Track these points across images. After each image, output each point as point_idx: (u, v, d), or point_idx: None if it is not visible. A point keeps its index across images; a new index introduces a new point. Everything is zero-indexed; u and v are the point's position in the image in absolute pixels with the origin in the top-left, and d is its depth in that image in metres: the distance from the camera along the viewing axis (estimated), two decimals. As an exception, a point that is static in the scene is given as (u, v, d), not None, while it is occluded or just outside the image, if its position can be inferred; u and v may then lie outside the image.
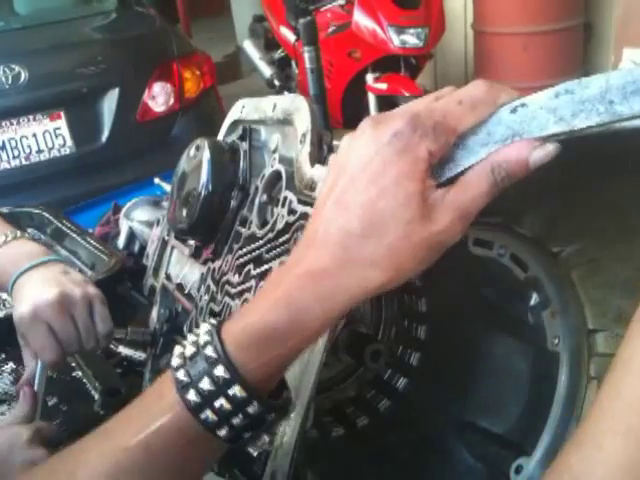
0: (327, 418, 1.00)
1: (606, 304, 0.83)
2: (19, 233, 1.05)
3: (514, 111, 0.50)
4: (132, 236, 1.70)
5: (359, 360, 0.90)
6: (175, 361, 0.54)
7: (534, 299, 0.85)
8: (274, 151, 0.91)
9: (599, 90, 0.46)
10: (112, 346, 1.37)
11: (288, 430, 0.69)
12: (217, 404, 0.52)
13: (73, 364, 1.29)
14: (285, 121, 0.88)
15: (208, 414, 0.52)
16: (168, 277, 1.17)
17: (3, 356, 1.31)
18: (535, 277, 0.83)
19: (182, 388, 0.53)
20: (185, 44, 3.73)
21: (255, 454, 0.75)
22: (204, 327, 0.55)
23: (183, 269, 1.11)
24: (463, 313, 0.94)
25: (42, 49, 3.39)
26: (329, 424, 0.99)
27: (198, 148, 0.99)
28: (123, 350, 1.41)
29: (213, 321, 0.56)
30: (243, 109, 1.03)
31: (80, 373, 1.27)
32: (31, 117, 3.27)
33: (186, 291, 1.07)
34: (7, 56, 3.23)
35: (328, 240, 0.51)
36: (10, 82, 3.15)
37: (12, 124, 3.23)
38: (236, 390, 0.52)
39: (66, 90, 3.34)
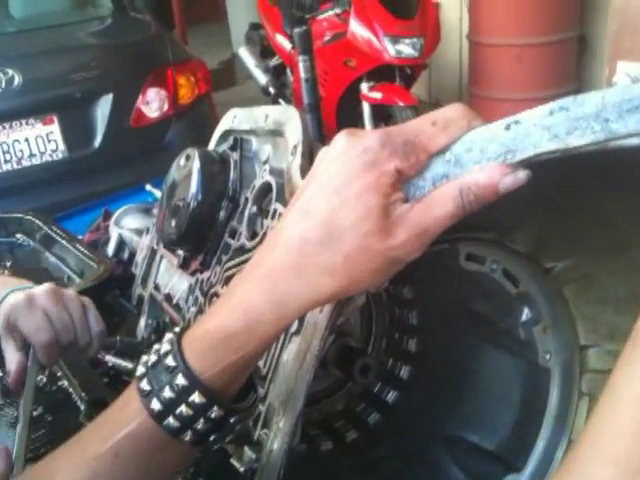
0: (316, 431, 0.99)
1: (599, 320, 0.82)
2: None
3: (507, 128, 0.49)
4: (122, 244, 1.68)
5: (348, 374, 0.89)
6: (139, 370, 0.57)
7: (525, 314, 0.84)
8: (265, 162, 0.90)
9: (595, 108, 0.45)
10: (99, 355, 1.36)
11: (275, 447, 0.68)
12: (178, 411, 0.54)
13: (59, 373, 1.27)
14: (276, 132, 0.87)
15: (170, 421, 0.54)
16: (156, 287, 1.15)
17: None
18: (527, 292, 0.82)
19: (145, 397, 0.55)
20: (180, 50, 3.71)
21: (241, 471, 0.74)
22: (167, 336, 0.57)
23: (172, 279, 1.10)
24: (454, 327, 0.93)
25: (37, 53, 3.37)
26: (318, 437, 0.98)
27: (188, 158, 0.98)
28: (110, 359, 1.40)
29: (177, 329, 0.57)
30: (234, 119, 1.02)
31: (66, 382, 1.25)
32: (24, 121, 3.25)
33: (174, 302, 1.06)
34: (1, 59, 3.21)
35: (287, 245, 0.52)
36: (3, 86, 3.13)
37: (4, 128, 3.21)
38: (195, 396, 0.54)
39: (60, 95, 3.31)
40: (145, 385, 0.55)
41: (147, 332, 1.12)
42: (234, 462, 0.76)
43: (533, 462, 0.85)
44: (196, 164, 0.95)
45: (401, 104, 3.70)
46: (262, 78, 4.63)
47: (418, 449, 0.95)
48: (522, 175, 0.48)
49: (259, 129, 0.93)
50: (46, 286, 0.97)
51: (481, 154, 0.50)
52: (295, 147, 0.80)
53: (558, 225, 0.73)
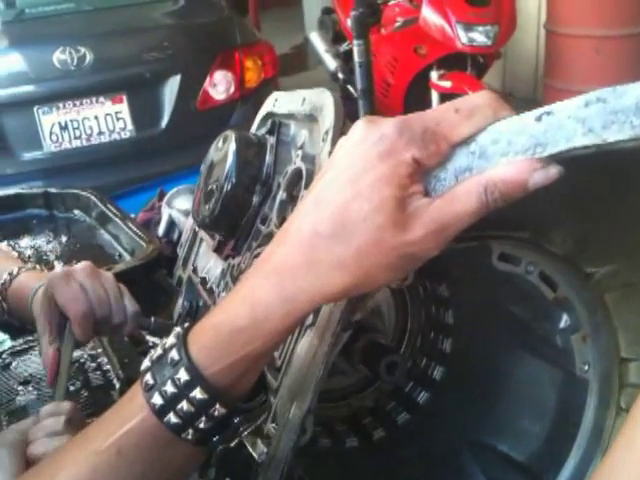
0: (342, 427, 0.96)
1: (642, 331, 0.76)
2: (27, 265, 1.10)
3: (539, 119, 0.45)
4: (172, 224, 1.69)
5: (374, 371, 0.85)
6: (145, 364, 0.55)
7: (564, 321, 0.79)
8: (300, 147, 0.87)
9: (635, 100, 0.41)
10: (142, 332, 1.37)
11: (282, 442, 0.65)
12: (179, 406, 0.52)
13: (99, 350, 1.29)
14: (312, 117, 0.84)
15: (171, 417, 0.52)
16: (194, 270, 1.15)
17: (31, 337, 1.31)
18: (565, 298, 0.77)
19: (148, 391, 0.53)
20: (249, 33, 3.72)
21: (258, 460, 0.72)
22: (175, 330, 0.55)
23: (208, 263, 1.09)
24: (489, 329, 0.89)
25: (108, 32, 3.44)
26: (344, 434, 0.96)
27: (225, 139, 0.96)
28: (150, 338, 1.41)
29: (187, 324, 0.56)
30: (276, 102, 0.99)
31: (105, 359, 1.27)
32: (94, 99, 3.33)
33: (208, 286, 1.05)
34: (74, 37, 3.28)
35: (298, 238, 0.50)
36: (75, 64, 3.20)
37: (75, 105, 3.29)
38: (197, 392, 0.52)
39: (129, 74, 3.38)
40: (149, 379, 0.54)
41: (182, 314, 1.12)
42: (251, 451, 0.74)
43: (564, 478, 0.80)
44: (232, 146, 0.93)
45: (471, 94, 3.61)
46: (331, 63, 4.60)
47: (445, 453, 0.91)
48: (554, 171, 0.45)
49: (297, 113, 0.90)
50: (84, 263, 0.98)
51: (508, 147, 0.47)
52: (327, 132, 0.77)
53: (599, 227, 0.67)
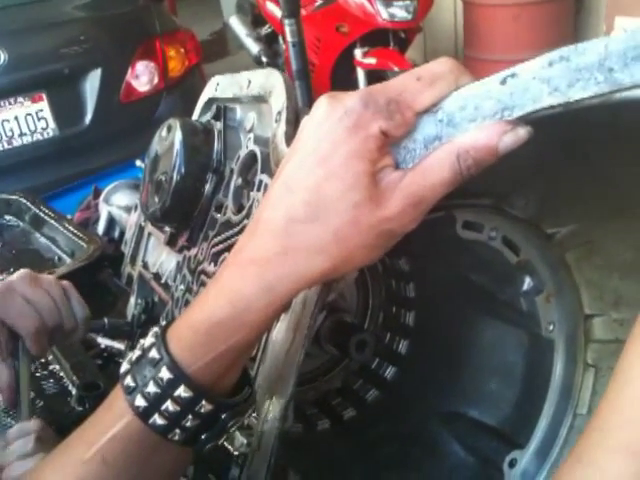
0: (312, 410, 0.96)
1: (603, 287, 0.78)
2: None
3: (503, 82, 0.45)
4: (112, 221, 1.64)
5: (344, 351, 0.85)
6: (124, 367, 0.53)
7: (527, 284, 0.80)
8: (249, 131, 0.85)
9: (597, 57, 0.41)
10: (92, 335, 1.32)
11: (265, 432, 0.64)
12: (164, 407, 0.50)
13: (50, 357, 1.24)
14: (260, 98, 0.82)
15: (156, 418, 0.51)
16: (145, 265, 1.12)
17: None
18: (528, 260, 0.78)
19: (130, 394, 0.51)
20: (168, 21, 3.62)
21: (235, 455, 0.71)
22: (153, 329, 0.53)
23: (160, 257, 1.06)
24: (452, 300, 0.89)
25: (21, 29, 3.28)
26: (314, 417, 0.95)
27: (170, 129, 0.93)
28: (102, 340, 1.37)
29: (163, 323, 0.55)
30: (217, 86, 0.97)
31: (57, 366, 1.22)
32: (12, 100, 3.19)
33: (162, 280, 1.02)
34: (-15, 37, 3.13)
35: (271, 226, 0.48)
36: (-11, 64, 3.06)
37: (-7, 107, 3.15)
38: (181, 390, 0.50)
39: (47, 71, 3.25)
40: (129, 382, 0.51)
41: (137, 312, 1.08)
42: (227, 446, 0.72)
43: (537, 438, 0.82)
44: (178, 135, 0.90)
45: (396, 69, 3.62)
46: (254, 47, 4.55)
47: (417, 427, 0.91)
48: (523, 132, 0.44)
49: (243, 96, 0.88)
50: (21, 272, 0.93)
51: (476, 112, 0.46)
52: (279, 113, 0.75)
53: (559, 189, 0.68)
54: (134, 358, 0.52)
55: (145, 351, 0.52)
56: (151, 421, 0.50)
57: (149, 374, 0.50)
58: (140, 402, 0.50)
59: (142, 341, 0.53)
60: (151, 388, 0.50)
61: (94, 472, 0.51)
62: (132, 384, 0.51)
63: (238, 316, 0.49)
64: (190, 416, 0.51)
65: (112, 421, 0.51)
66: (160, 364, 0.50)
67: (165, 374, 0.50)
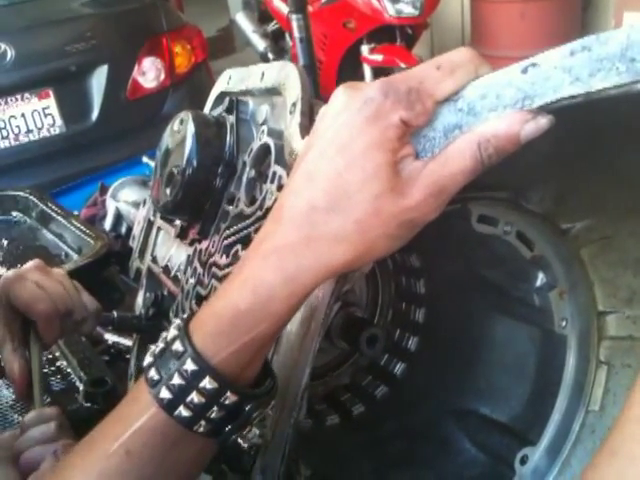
0: (321, 406, 0.95)
1: (617, 283, 0.77)
2: None
3: (525, 71, 0.44)
4: (119, 217, 1.64)
5: (354, 346, 0.85)
6: (147, 360, 0.53)
7: (540, 279, 0.80)
8: (262, 123, 0.84)
9: (619, 47, 0.41)
10: (99, 330, 1.32)
11: (280, 422, 0.64)
12: (189, 399, 0.50)
13: (57, 353, 1.24)
14: (274, 91, 0.82)
15: (181, 410, 0.50)
16: (154, 259, 1.11)
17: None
18: (542, 256, 0.77)
19: (154, 387, 0.51)
20: (175, 17, 3.62)
21: (245, 448, 0.70)
22: (175, 322, 0.53)
23: (169, 251, 1.06)
24: (464, 295, 0.89)
25: (28, 26, 3.28)
26: (323, 412, 0.95)
27: (182, 122, 0.92)
28: (110, 337, 1.37)
29: (185, 316, 0.54)
30: (230, 80, 0.96)
31: (65, 363, 1.22)
32: (19, 96, 3.19)
33: (172, 274, 1.01)
34: (-8, 34, 3.13)
35: (293, 216, 0.48)
36: (-4, 61, 3.06)
37: (0, 104, 3.15)
38: (206, 382, 0.50)
39: (54, 67, 3.24)
40: (154, 374, 0.51)
41: (145, 306, 1.08)
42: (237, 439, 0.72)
43: (548, 435, 0.81)
44: (190, 128, 0.89)
45: (403, 65, 3.62)
46: (260, 44, 4.55)
47: (428, 424, 0.91)
48: (544, 121, 0.44)
49: (255, 89, 0.87)
50: (35, 261, 0.93)
51: (497, 101, 0.46)
52: (294, 105, 0.75)
53: (575, 184, 0.68)
54: (157, 351, 0.53)
55: (168, 344, 0.52)
56: (176, 413, 0.50)
57: (173, 366, 0.50)
58: (165, 394, 0.50)
59: (164, 334, 0.53)
60: (176, 380, 0.50)
61: (118, 465, 0.51)
62: (156, 377, 0.51)
63: (261, 306, 0.49)
64: (215, 407, 0.51)
65: (136, 414, 0.51)
66: (184, 356, 0.50)
67: (190, 366, 0.50)
